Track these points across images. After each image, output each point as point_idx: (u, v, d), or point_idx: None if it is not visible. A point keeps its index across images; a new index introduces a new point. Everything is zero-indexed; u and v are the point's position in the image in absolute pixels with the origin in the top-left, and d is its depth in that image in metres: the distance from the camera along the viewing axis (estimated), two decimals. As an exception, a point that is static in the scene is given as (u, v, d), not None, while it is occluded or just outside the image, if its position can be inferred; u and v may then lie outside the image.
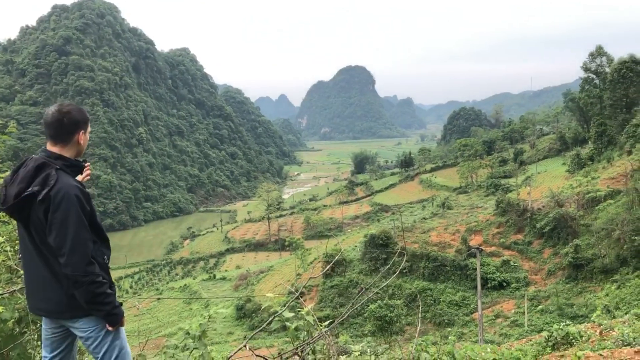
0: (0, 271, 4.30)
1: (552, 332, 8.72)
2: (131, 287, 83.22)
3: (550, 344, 8.64)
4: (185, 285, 71.64)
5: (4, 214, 4.71)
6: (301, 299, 3.25)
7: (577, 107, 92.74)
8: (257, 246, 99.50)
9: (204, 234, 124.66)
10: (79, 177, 3.66)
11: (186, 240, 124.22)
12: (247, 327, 49.43)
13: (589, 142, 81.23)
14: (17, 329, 3.83)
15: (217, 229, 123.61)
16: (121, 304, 3.27)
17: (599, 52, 78.75)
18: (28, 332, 3.86)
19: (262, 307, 49.78)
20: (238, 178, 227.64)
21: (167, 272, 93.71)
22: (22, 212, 3.12)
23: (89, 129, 3.43)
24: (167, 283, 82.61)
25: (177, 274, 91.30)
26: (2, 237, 4.37)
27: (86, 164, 3.56)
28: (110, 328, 3.23)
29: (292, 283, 52.17)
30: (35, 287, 3.27)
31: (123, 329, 3.38)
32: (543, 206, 53.50)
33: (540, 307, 39.73)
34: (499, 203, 58.75)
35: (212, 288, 67.60)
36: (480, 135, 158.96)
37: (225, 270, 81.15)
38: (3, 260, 4.31)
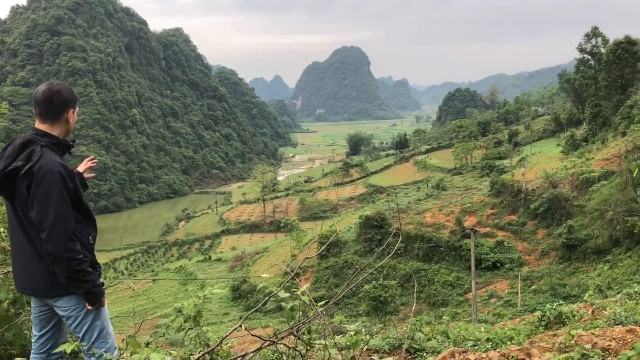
0: (-6, 252, 4.29)
1: (545, 312, 8.80)
2: (126, 268, 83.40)
3: (543, 323, 8.72)
4: (180, 266, 71.89)
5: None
6: (297, 279, 3.26)
7: (572, 88, 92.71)
8: (252, 228, 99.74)
9: (199, 216, 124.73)
10: (81, 167, 3.67)
11: (181, 221, 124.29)
12: (242, 307, 49.74)
13: (584, 123, 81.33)
14: (12, 310, 3.84)
15: (212, 210, 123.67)
16: (103, 284, 3.27)
17: (595, 32, 78.48)
18: (23, 313, 3.86)
19: (258, 288, 49.98)
20: (233, 159, 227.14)
21: (162, 254, 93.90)
22: (7, 187, 3.15)
23: (78, 108, 3.44)
24: (163, 264, 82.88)
25: (172, 256, 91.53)
26: (-5, 218, 4.36)
27: (93, 159, 3.73)
28: (89, 307, 3.22)
29: (288, 264, 52.40)
30: (21, 265, 3.30)
31: (105, 310, 3.38)
32: (537, 187, 53.73)
33: (533, 287, 40.14)
34: (493, 184, 58.95)
35: (207, 269, 67.86)
36: (475, 117, 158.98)
37: (221, 252, 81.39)
38: (-3, 242, 4.30)
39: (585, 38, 79.51)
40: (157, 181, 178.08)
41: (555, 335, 7.13)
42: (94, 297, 3.20)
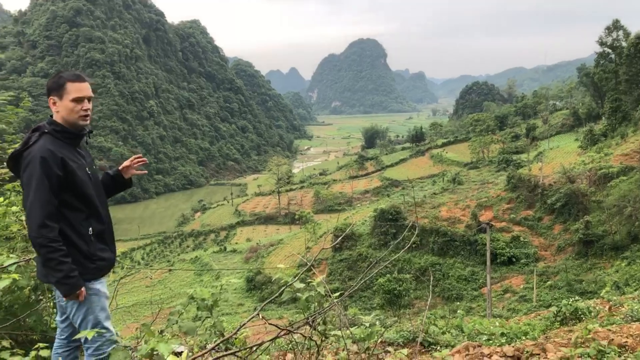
0: (16, 240, 4.37)
1: (561, 308, 8.74)
2: (143, 258, 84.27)
3: (558, 319, 8.67)
4: (196, 257, 72.46)
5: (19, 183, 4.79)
6: (315, 270, 3.28)
7: (591, 82, 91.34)
8: (267, 219, 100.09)
9: (214, 207, 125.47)
10: (126, 162, 3.66)
11: (197, 212, 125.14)
12: (257, 298, 50.04)
13: (603, 117, 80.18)
14: (33, 297, 3.91)
15: (228, 202, 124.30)
16: (76, 277, 3.12)
17: (616, 25, 77.06)
18: (44, 300, 3.93)
19: (273, 279, 50.34)
20: (248, 151, 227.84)
21: (178, 244, 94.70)
22: (17, 172, 3.20)
23: (71, 95, 3.23)
24: (179, 255, 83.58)
25: (188, 246, 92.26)
26: (17, 206, 4.44)
27: (141, 158, 3.64)
28: (64, 298, 3.17)
29: (302, 256, 52.59)
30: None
31: (100, 304, 3.28)
32: (554, 182, 53.16)
33: (549, 282, 39.81)
34: (510, 179, 58.44)
35: (222, 260, 68.33)
36: (492, 110, 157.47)
37: (236, 243, 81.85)
38: (18, 229, 4.38)
39: (606, 31, 78.09)
40: (173, 172, 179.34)
41: (570, 331, 7.09)
42: (65, 287, 3.11)
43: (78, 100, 3.24)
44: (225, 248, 75.35)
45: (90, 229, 3.27)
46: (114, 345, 3.09)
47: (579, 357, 4.74)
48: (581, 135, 79.44)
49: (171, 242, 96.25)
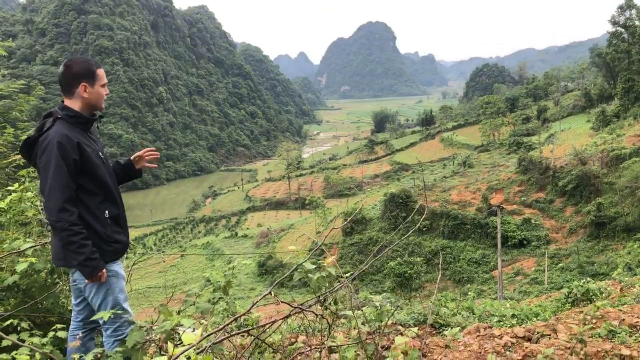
0: (32, 224, 4.45)
1: (572, 289, 8.75)
2: (155, 244, 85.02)
3: (569, 300, 8.69)
4: (207, 242, 72.96)
5: (33, 168, 4.86)
6: (327, 252, 3.31)
7: (603, 62, 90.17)
8: (277, 205, 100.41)
9: (225, 193, 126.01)
10: (139, 153, 3.73)
11: (208, 198, 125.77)
12: (268, 283, 50.39)
13: (615, 98, 79.20)
14: (50, 280, 3.99)
15: (238, 187, 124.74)
16: (97, 259, 3.20)
17: (629, 4, 75.84)
18: (60, 282, 4.01)
19: (284, 263, 50.67)
20: (258, 137, 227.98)
21: (189, 230, 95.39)
22: (31, 157, 3.26)
23: (101, 82, 3.38)
24: (190, 240, 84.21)
25: (199, 232, 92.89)
26: (32, 192, 4.50)
27: (154, 152, 3.71)
28: (86, 280, 3.23)
29: (313, 241, 52.79)
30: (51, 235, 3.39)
31: (119, 286, 3.37)
32: (566, 164, 52.80)
33: (560, 265, 39.74)
34: (521, 161, 58.10)
35: (234, 245, 68.77)
36: (503, 92, 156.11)
37: (247, 228, 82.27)
38: (34, 214, 4.45)
39: (619, 10, 76.92)
40: (183, 159, 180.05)
41: (581, 312, 7.10)
42: (86, 270, 3.18)
43: (104, 85, 3.41)
44: (236, 233, 75.79)
45: (107, 212, 3.34)
46: (132, 326, 3.16)
47: (589, 337, 4.76)
48: (593, 116, 78.57)
49: (183, 227, 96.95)
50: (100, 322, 3.33)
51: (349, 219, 13.24)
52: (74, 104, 3.33)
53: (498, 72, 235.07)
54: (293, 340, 5.36)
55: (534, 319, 7.29)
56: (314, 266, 3.01)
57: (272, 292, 2.85)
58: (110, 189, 3.39)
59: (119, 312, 3.26)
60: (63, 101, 3.36)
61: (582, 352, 4.25)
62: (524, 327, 5.47)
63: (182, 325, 2.55)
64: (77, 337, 3.38)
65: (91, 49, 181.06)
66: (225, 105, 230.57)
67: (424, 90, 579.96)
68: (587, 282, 9.05)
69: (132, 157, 3.77)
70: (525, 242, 45.67)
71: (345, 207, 58.96)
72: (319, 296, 2.99)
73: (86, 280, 3.24)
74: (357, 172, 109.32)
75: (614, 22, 78.17)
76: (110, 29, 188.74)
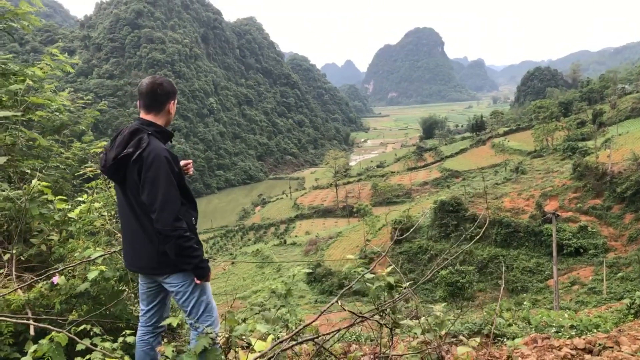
0: (100, 234, 4.68)
1: (635, 299, 8.45)
2: (206, 252, 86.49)
3: (632, 311, 8.38)
4: (257, 250, 73.77)
5: (101, 181, 5.12)
6: (385, 258, 3.35)
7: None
8: (325, 212, 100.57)
9: (274, 201, 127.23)
10: (182, 162, 3.93)
11: (257, 206, 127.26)
12: (317, 291, 50.47)
13: (678, 100, 75.69)
14: (117, 287, 4.18)
15: (287, 195, 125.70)
16: (207, 260, 3.47)
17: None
18: (127, 290, 4.20)
19: (333, 271, 50.66)
20: (305, 145, 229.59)
21: (239, 238, 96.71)
22: (119, 173, 3.41)
23: (175, 100, 3.67)
24: (240, 248, 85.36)
25: (249, 240, 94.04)
26: (100, 203, 4.74)
27: (190, 166, 3.90)
28: (197, 281, 3.43)
29: (362, 249, 52.65)
30: (131, 245, 3.55)
31: (209, 287, 3.59)
32: (624, 169, 50.77)
33: (620, 274, 38.18)
34: (576, 167, 56.29)
35: (283, 253, 69.27)
36: (556, 96, 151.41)
37: (295, 236, 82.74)
38: (102, 224, 4.68)
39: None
40: (233, 168, 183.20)
41: (646, 323, 6.84)
42: (202, 271, 3.42)
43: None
44: (285, 241, 76.33)
45: (193, 218, 3.54)
46: (219, 325, 3.40)
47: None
48: (654, 119, 75.35)
49: (233, 235, 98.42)
50: (189, 322, 3.53)
51: (410, 230, 13.14)
52: (159, 120, 3.55)
53: (550, 75, 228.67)
54: (346, 349, 5.41)
55: (594, 331, 7.08)
56: (372, 275, 3.06)
57: (339, 302, 2.90)
58: (193, 197, 3.62)
59: (207, 314, 3.49)
60: (139, 116, 3.54)
61: (648, 366, 4.12)
62: (584, 339, 5.33)
63: (251, 331, 2.64)
64: (149, 341, 3.56)
65: (144, 62, 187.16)
66: (274, 115, 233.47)
67: (473, 96, 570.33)
68: (651, 292, 8.71)
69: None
70: (581, 251, 44.11)
71: (394, 215, 58.42)
72: (379, 305, 3.03)
73: (197, 282, 3.45)
74: (405, 180, 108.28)
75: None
76: (163, 42, 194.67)
